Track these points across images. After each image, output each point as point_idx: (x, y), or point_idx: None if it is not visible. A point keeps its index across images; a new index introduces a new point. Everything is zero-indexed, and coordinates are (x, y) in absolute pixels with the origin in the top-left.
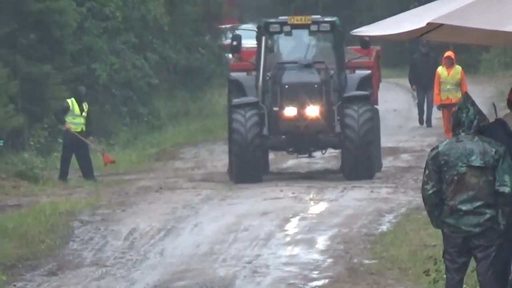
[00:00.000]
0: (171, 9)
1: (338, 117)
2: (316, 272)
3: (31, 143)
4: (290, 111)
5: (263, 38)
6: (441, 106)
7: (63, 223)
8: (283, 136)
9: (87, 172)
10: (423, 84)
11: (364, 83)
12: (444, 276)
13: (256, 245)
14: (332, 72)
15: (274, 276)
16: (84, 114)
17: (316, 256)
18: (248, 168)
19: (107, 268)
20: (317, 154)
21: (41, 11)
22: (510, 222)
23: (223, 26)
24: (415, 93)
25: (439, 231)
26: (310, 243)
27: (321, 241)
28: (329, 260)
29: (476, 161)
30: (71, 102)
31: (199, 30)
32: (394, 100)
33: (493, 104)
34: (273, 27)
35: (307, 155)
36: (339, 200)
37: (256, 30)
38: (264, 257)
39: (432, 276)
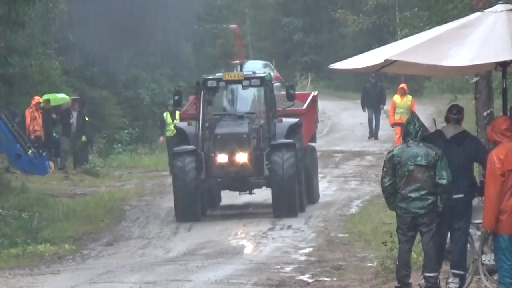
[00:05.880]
0: (197, 49)
1: (267, 162)
2: (303, 243)
3: (94, 148)
4: (222, 158)
5: (202, 93)
6: (394, 124)
7: (117, 207)
8: (219, 179)
9: None
10: (373, 106)
11: (292, 130)
12: (398, 245)
13: (259, 223)
14: (262, 121)
15: (273, 246)
16: (175, 121)
17: (303, 231)
18: (188, 208)
19: (150, 240)
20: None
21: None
22: (446, 206)
23: (234, 62)
24: (365, 112)
25: (394, 213)
26: (298, 221)
27: (307, 220)
28: (313, 234)
29: (421, 161)
30: (166, 114)
31: (217, 65)
32: (360, 116)
33: (433, 120)
34: (210, 83)
35: (247, 192)
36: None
37: (195, 86)
38: (265, 232)
39: (389, 245)
